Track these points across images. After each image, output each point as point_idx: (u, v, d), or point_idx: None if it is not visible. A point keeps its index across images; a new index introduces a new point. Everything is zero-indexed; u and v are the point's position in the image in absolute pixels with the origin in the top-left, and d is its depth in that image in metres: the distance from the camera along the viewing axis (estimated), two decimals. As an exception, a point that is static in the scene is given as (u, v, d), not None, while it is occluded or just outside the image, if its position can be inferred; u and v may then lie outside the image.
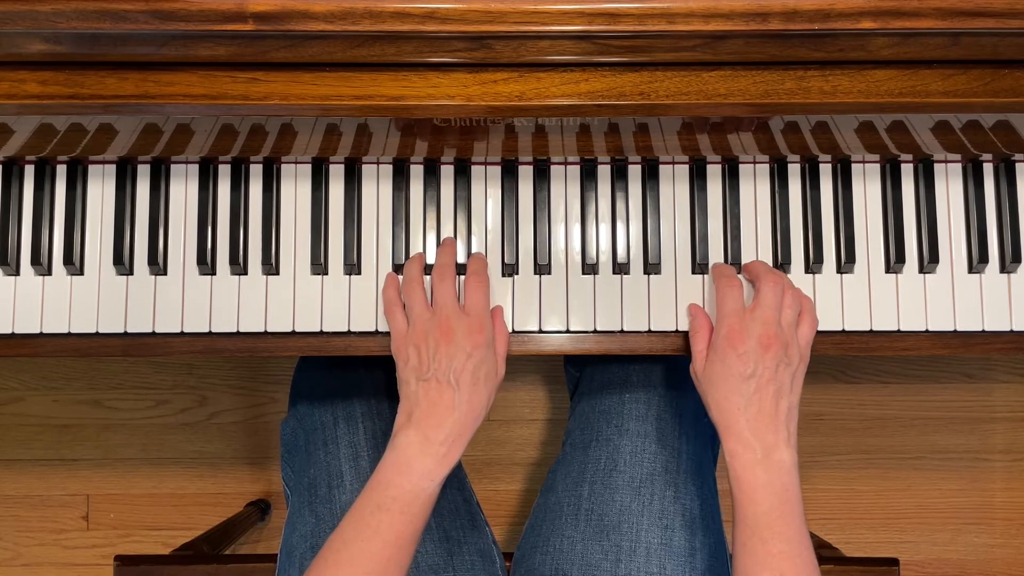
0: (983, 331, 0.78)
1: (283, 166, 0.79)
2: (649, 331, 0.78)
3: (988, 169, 0.79)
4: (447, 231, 0.79)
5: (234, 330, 0.78)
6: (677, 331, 0.78)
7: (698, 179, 0.79)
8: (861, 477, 1.51)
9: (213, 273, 0.78)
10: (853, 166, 0.79)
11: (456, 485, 0.88)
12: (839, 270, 0.79)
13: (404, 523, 0.68)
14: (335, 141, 0.74)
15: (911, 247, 0.79)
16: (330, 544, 0.68)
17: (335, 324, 0.78)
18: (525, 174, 0.79)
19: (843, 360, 1.53)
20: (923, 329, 0.78)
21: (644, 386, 0.87)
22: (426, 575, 0.80)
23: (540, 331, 0.78)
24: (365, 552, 0.67)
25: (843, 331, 0.78)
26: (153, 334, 0.78)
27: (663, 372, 0.89)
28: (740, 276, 0.77)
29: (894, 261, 0.78)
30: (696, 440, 0.86)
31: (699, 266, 0.78)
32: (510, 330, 0.78)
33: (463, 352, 0.70)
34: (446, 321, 0.71)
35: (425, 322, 0.72)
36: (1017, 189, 0.79)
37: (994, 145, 0.75)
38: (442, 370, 0.70)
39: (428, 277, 0.76)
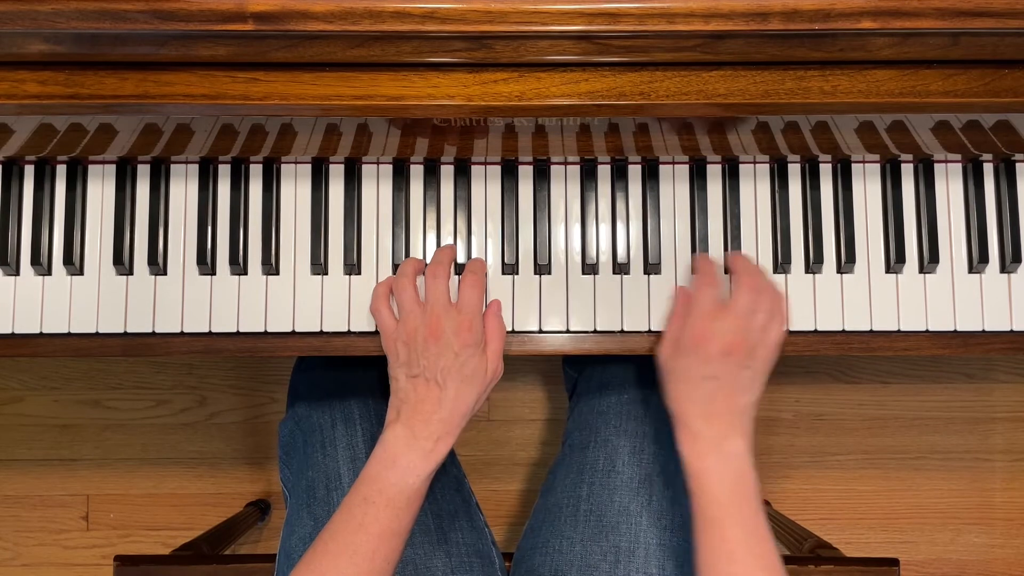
0: (983, 331, 0.78)
1: (283, 166, 0.79)
2: (649, 331, 0.78)
3: (988, 169, 0.79)
4: (447, 231, 0.79)
5: (234, 330, 0.78)
6: (677, 331, 0.78)
7: (698, 179, 0.79)
8: (861, 477, 1.51)
9: (213, 273, 0.78)
10: (853, 166, 0.79)
11: (455, 486, 0.88)
12: (839, 270, 0.79)
13: (390, 517, 0.68)
14: (335, 141, 0.74)
15: (911, 247, 0.79)
16: (320, 537, 0.69)
17: (335, 324, 0.78)
18: (525, 174, 0.79)
19: (843, 360, 1.52)
20: (923, 329, 0.78)
21: (643, 387, 0.87)
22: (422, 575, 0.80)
23: (540, 331, 0.78)
24: (351, 544, 0.67)
25: (843, 331, 0.78)
26: (153, 334, 0.78)
27: (663, 372, 0.89)
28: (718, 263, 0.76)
29: (894, 261, 0.78)
30: (696, 440, 0.86)
31: (699, 266, 0.78)
32: (510, 329, 0.78)
33: (451, 351, 0.70)
34: (436, 318, 0.71)
35: (415, 318, 0.72)
36: (1017, 189, 0.79)
37: (994, 145, 0.75)
38: (430, 368, 0.70)
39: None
